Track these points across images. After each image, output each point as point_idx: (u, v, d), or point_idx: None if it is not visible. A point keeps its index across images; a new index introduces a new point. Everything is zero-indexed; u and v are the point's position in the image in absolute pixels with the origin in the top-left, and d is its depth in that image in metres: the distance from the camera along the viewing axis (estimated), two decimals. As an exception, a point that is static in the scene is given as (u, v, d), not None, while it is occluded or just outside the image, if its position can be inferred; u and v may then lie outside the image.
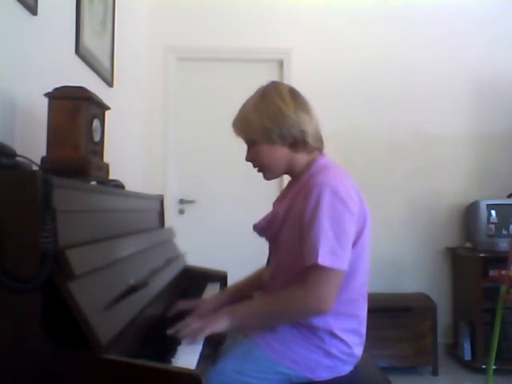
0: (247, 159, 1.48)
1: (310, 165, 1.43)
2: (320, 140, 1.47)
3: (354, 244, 1.33)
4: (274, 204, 1.53)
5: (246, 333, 1.40)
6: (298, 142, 1.40)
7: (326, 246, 1.24)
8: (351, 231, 1.31)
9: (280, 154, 1.41)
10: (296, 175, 1.46)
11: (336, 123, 3.69)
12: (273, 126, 1.38)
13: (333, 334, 1.33)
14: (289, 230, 1.37)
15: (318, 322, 1.32)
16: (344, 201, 1.29)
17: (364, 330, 1.42)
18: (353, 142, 3.75)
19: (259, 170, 1.48)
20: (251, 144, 1.45)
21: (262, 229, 1.48)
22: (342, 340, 1.34)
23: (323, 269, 1.24)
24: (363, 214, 1.36)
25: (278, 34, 3.75)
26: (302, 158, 1.43)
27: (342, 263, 1.26)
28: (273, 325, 1.35)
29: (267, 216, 1.47)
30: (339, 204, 1.28)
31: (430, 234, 3.75)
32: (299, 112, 1.39)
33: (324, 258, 1.24)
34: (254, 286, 1.61)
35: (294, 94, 1.44)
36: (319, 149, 1.47)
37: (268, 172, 1.46)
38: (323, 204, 1.27)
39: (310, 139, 1.40)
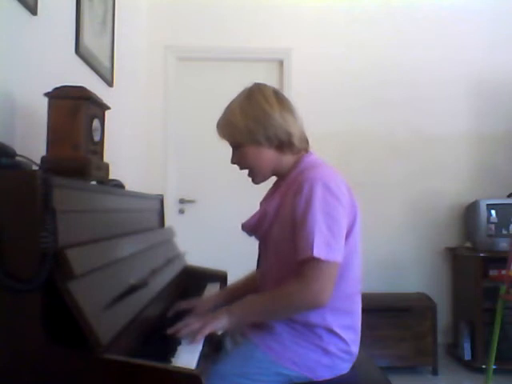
0: (232, 162, 1.49)
1: (297, 163, 1.44)
2: (305, 141, 1.47)
3: (347, 238, 1.34)
4: (262, 203, 1.53)
5: (245, 334, 1.40)
6: (284, 144, 1.41)
7: (321, 238, 1.25)
8: (344, 224, 1.32)
9: (266, 156, 1.42)
10: (283, 175, 1.46)
11: (336, 123, 3.69)
12: (258, 128, 1.38)
13: (330, 331, 1.34)
14: (280, 228, 1.38)
15: (315, 318, 1.32)
16: (335, 194, 1.30)
17: (359, 326, 1.43)
18: (353, 142, 3.75)
19: (249, 175, 1.48)
20: (236, 146, 1.46)
21: (250, 228, 1.48)
22: (339, 337, 1.34)
23: (318, 261, 1.25)
24: (354, 209, 1.37)
25: (278, 34, 3.75)
26: (288, 159, 1.44)
27: (336, 255, 1.27)
28: (272, 321, 1.35)
29: (255, 215, 1.47)
30: (331, 197, 1.29)
31: (430, 234, 3.75)
32: (284, 113, 1.40)
33: (319, 251, 1.24)
34: (250, 285, 1.61)
35: (279, 96, 1.44)
36: (305, 149, 1.47)
37: (256, 175, 1.47)
38: (315, 198, 1.28)
39: (296, 140, 1.41)
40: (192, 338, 1.25)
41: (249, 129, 1.39)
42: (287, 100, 1.46)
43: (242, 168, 1.49)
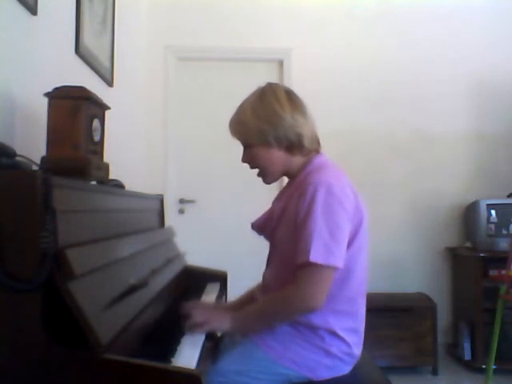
0: (243, 161, 1.49)
1: (306, 164, 1.43)
2: (317, 142, 1.47)
3: (351, 242, 1.33)
4: (273, 202, 1.53)
5: (246, 335, 1.40)
6: (294, 146, 1.40)
7: (320, 243, 1.25)
8: (346, 229, 1.31)
9: (276, 156, 1.42)
10: (293, 176, 1.46)
11: (336, 123, 3.69)
12: (269, 129, 1.38)
13: (333, 333, 1.33)
14: (284, 229, 1.38)
15: (317, 321, 1.32)
16: (339, 198, 1.29)
17: (363, 329, 1.43)
18: (353, 142, 3.75)
19: (259, 175, 1.48)
20: (247, 146, 1.45)
21: (259, 227, 1.49)
22: (341, 339, 1.34)
23: (316, 266, 1.25)
24: (359, 213, 1.36)
25: (278, 34, 3.75)
26: (298, 160, 1.44)
27: (336, 260, 1.26)
28: (272, 325, 1.35)
29: (264, 214, 1.48)
30: (334, 201, 1.28)
31: (430, 234, 3.75)
32: (295, 114, 1.40)
33: (316, 256, 1.24)
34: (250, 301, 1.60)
35: (291, 96, 1.44)
36: (316, 150, 1.47)
37: (266, 175, 1.47)
38: (317, 202, 1.27)
39: (306, 142, 1.41)
40: (194, 331, 1.28)
41: (259, 129, 1.39)
42: (300, 100, 1.45)
43: (252, 167, 1.48)
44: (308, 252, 1.24)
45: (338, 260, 1.27)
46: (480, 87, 3.79)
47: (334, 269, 1.27)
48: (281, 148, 1.41)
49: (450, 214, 3.75)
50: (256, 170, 1.48)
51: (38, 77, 1.64)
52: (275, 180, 1.49)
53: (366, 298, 1.46)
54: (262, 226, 1.47)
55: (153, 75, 3.67)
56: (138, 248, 1.47)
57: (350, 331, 1.36)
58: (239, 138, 1.46)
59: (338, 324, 1.34)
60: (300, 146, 1.41)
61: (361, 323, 1.42)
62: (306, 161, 1.44)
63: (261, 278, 1.54)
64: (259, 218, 1.49)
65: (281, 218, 1.39)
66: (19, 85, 1.53)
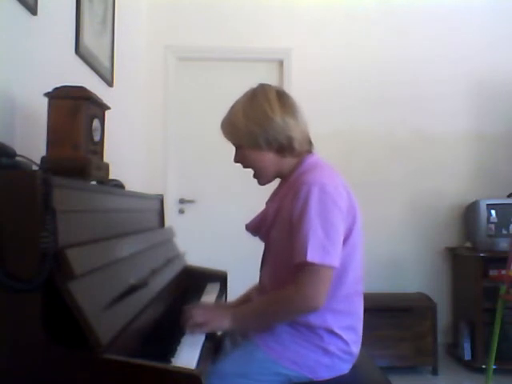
0: (235, 161, 1.49)
1: (298, 164, 1.43)
2: (308, 143, 1.47)
3: (345, 241, 1.33)
4: (267, 203, 1.54)
5: (245, 335, 1.40)
6: (285, 148, 1.40)
7: (316, 243, 1.25)
8: (341, 228, 1.31)
9: (266, 158, 1.42)
10: (285, 176, 1.46)
11: (336, 123, 3.69)
12: (259, 131, 1.38)
13: (331, 332, 1.34)
14: (279, 230, 1.38)
15: (315, 320, 1.32)
16: (333, 197, 1.29)
17: (361, 327, 1.43)
18: (353, 142, 3.75)
19: (254, 176, 1.49)
20: (238, 147, 1.46)
21: (253, 228, 1.49)
22: (340, 337, 1.34)
23: (313, 266, 1.25)
24: (352, 211, 1.36)
25: (278, 34, 3.75)
26: (289, 161, 1.44)
27: (332, 259, 1.27)
28: (271, 325, 1.35)
29: (258, 215, 1.48)
30: (328, 201, 1.29)
31: (430, 234, 3.75)
32: (286, 117, 1.39)
33: (313, 256, 1.24)
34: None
35: (282, 98, 1.43)
36: (308, 151, 1.47)
37: (261, 177, 1.47)
38: (312, 202, 1.27)
39: (297, 144, 1.41)
40: (194, 332, 1.29)
41: (249, 131, 1.39)
42: (291, 102, 1.45)
43: (245, 167, 1.49)
44: (305, 252, 1.25)
45: (334, 259, 1.27)
46: (480, 87, 3.79)
47: (331, 268, 1.28)
48: (271, 150, 1.41)
49: (450, 214, 3.75)
50: (251, 171, 1.49)
51: (38, 77, 1.64)
52: (269, 181, 1.49)
53: (366, 298, 1.46)
54: (257, 227, 1.47)
55: (153, 75, 3.67)
56: (138, 248, 1.47)
57: (347, 329, 1.37)
58: (230, 139, 1.46)
59: (335, 323, 1.34)
60: (290, 149, 1.40)
61: (358, 321, 1.42)
62: (298, 161, 1.44)
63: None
64: (253, 219, 1.49)
65: (275, 219, 1.40)
66: (19, 85, 1.53)
